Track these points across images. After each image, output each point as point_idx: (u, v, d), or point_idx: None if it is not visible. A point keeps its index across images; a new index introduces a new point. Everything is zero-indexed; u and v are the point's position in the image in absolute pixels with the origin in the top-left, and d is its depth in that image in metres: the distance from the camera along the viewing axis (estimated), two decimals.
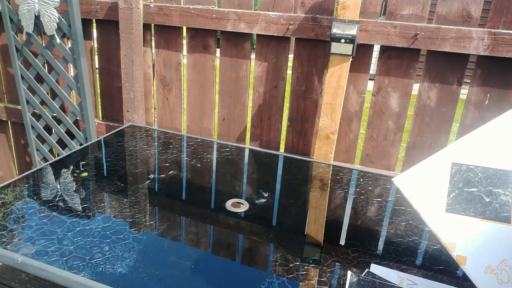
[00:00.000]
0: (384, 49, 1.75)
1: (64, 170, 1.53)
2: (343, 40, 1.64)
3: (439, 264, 1.12)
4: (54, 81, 2.15)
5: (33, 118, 2.29)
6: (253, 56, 1.96)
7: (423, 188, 1.01)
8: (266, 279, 1.01)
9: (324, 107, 1.77)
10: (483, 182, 0.96)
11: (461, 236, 0.93)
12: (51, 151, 2.37)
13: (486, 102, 1.68)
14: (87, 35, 2.16)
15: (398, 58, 1.74)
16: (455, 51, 1.62)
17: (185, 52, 2.04)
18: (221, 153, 1.80)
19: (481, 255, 0.91)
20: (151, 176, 1.54)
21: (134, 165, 1.62)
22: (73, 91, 2.15)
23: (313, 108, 1.93)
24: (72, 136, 2.26)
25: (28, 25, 2.03)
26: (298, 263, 1.08)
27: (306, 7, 1.77)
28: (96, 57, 2.25)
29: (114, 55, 2.19)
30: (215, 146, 1.88)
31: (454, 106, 1.73)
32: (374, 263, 1.10)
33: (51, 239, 1.10)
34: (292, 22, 1.79)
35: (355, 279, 1.02)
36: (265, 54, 1.93)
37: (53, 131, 2.29)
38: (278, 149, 2.06)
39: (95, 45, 2.23)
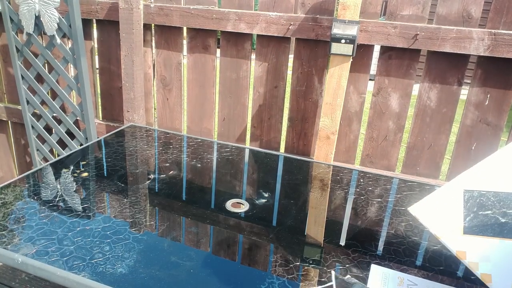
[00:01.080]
0: (384, 50, 1.75)
1: (64, 170, 1.53)
2: (343, 41, 1.64)
3: (439, 264, 1.12)
4: (54, 81, 2.15)
5: (33, 118, 2.29)
6: (253, 56, 1.97)
7: (438, 215, 1.04)
8: (266, 279, 1.01)
9: (324, 108, 1.77)
10: (496, 205, 0.99)
11: (483, 255, 0.95)
12: (51, 151, 2.37)
13: (486, 102, 1.68)
14: (88, 35, 2.16)
15: (398, 59, 1.74)
16: (455, 52, 1.62)
17: (185, 52, 2.04)
18: (221, 153, 1.80)
19: (506, 272, 0.92)
20: (151, 176, 1.54)
21: (134, 165, 1.62)
22: (73, 91, 2.15)
23: (313, 108, 1.93)
24: (72, 136, 2.26)
25: (28, 25, 2.03)
26: (298, 263, 1.08)
27: (306, 8, 1.77)
28: (96, 57, 2.25)
29: (114, 55, 2.19)
30: (215, 146, 1.88)
31: (454, 106, 1.73)
32: (374, 263, 1.10)
33: (51, 239, 1.10)
34: (292, 23, 1.79)
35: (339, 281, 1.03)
36: (265, 54, 1.93)
37: (53, 131, 2.29)
38: (278, 149, 2.07)
39: (95, 45, 2.23)
